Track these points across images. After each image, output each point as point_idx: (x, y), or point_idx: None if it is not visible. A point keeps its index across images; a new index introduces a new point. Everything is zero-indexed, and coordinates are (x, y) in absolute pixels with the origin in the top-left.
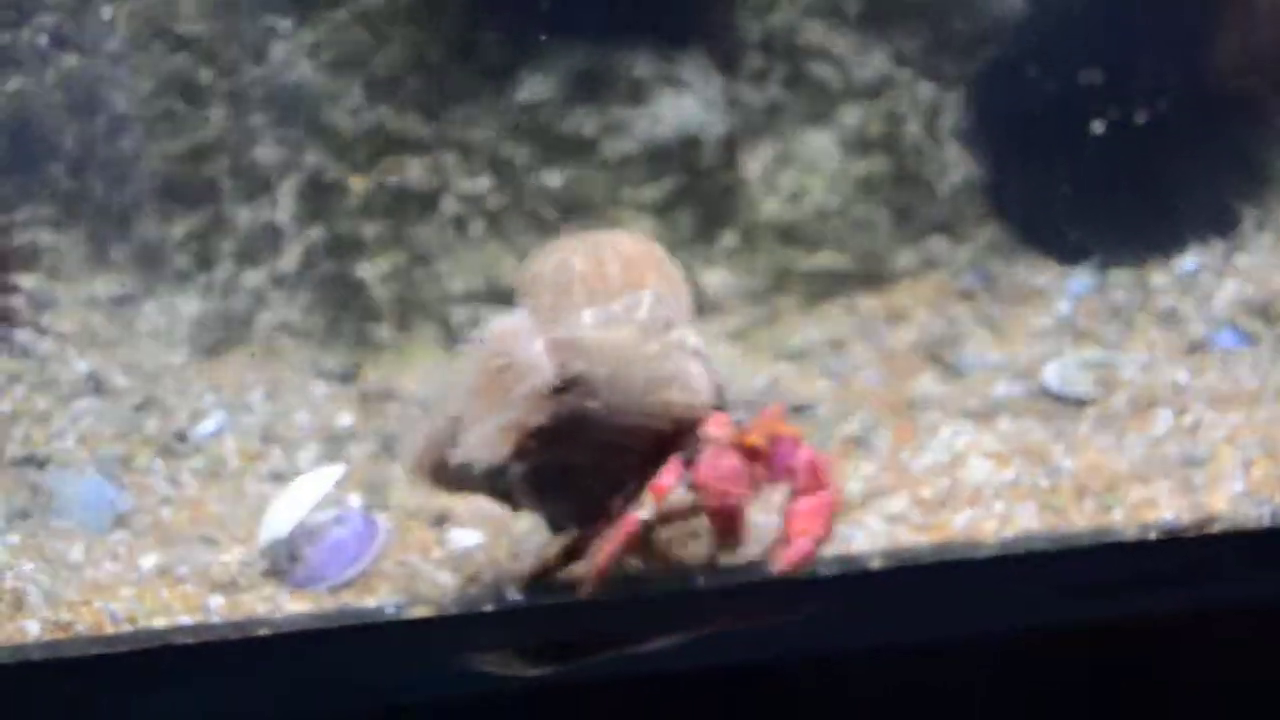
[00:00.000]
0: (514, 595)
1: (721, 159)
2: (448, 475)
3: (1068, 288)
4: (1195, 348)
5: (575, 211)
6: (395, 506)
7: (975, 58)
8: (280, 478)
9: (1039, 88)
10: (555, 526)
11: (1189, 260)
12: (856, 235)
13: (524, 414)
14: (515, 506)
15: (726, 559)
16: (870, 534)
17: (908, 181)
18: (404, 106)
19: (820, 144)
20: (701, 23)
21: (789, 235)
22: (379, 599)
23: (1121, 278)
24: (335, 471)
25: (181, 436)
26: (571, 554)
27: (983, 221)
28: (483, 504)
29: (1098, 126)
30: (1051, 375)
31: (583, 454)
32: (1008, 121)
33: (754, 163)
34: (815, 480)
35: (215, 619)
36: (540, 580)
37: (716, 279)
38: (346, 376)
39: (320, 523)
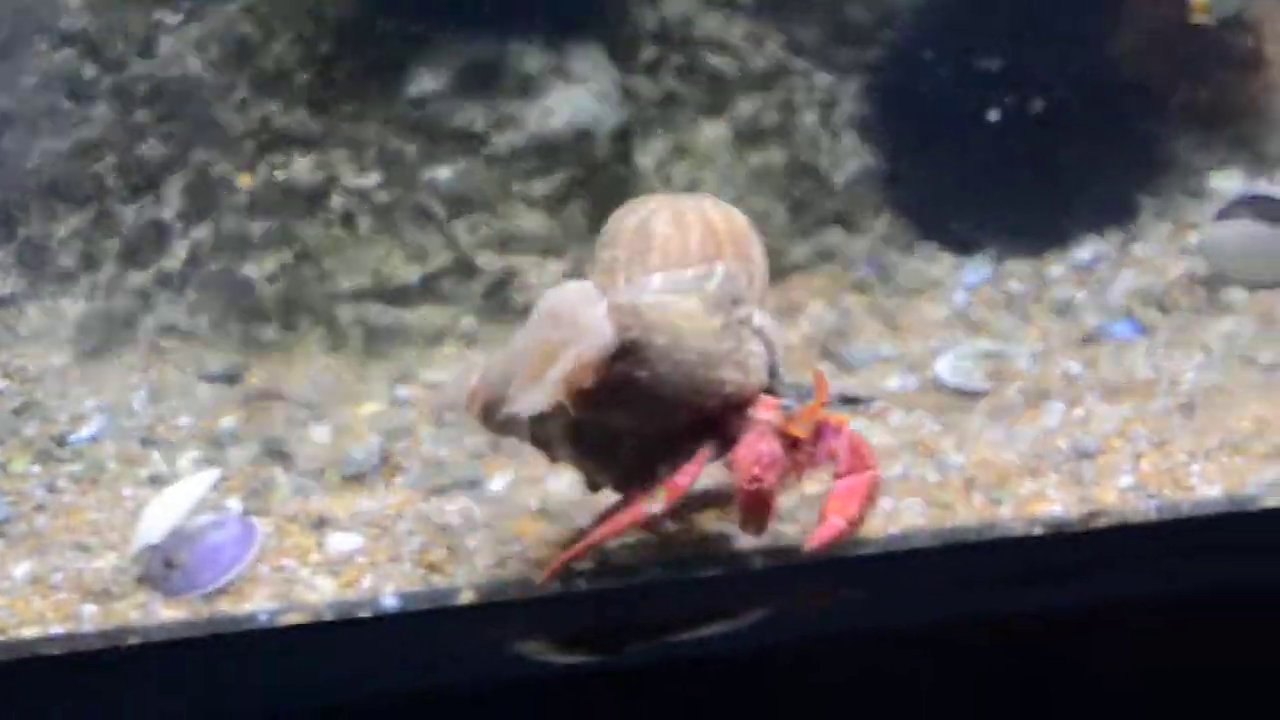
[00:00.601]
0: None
1: (614, 152)
2: (496, 416)
3: (963, 279)
4: (1089, 338)
5: (465, 206)
6: (275, 511)
7: (873, 46)
8: (159, 482)
9: (936, 77)
10: (593, 485)
11: (1086, 250)
12: None
13: (574, 374)
14: (553, 458)
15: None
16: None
17: (803, 173)
18: (292, 102)
19: (715, 135)
20: (594, 13)
21: None
22: (254, 605)
23: (1018, 268)
24: (211, 475)
25: (60, 441)
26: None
27: (879, 213)
28: (365, 506)
29: (995, 115)
30: (944, 367)
31: (625, 420)
32: (905, 111)
33: (648, 155)
34: (859, 462)
35: (87, 627)
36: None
37: None
38: (231, 378)
39: (195, 528)
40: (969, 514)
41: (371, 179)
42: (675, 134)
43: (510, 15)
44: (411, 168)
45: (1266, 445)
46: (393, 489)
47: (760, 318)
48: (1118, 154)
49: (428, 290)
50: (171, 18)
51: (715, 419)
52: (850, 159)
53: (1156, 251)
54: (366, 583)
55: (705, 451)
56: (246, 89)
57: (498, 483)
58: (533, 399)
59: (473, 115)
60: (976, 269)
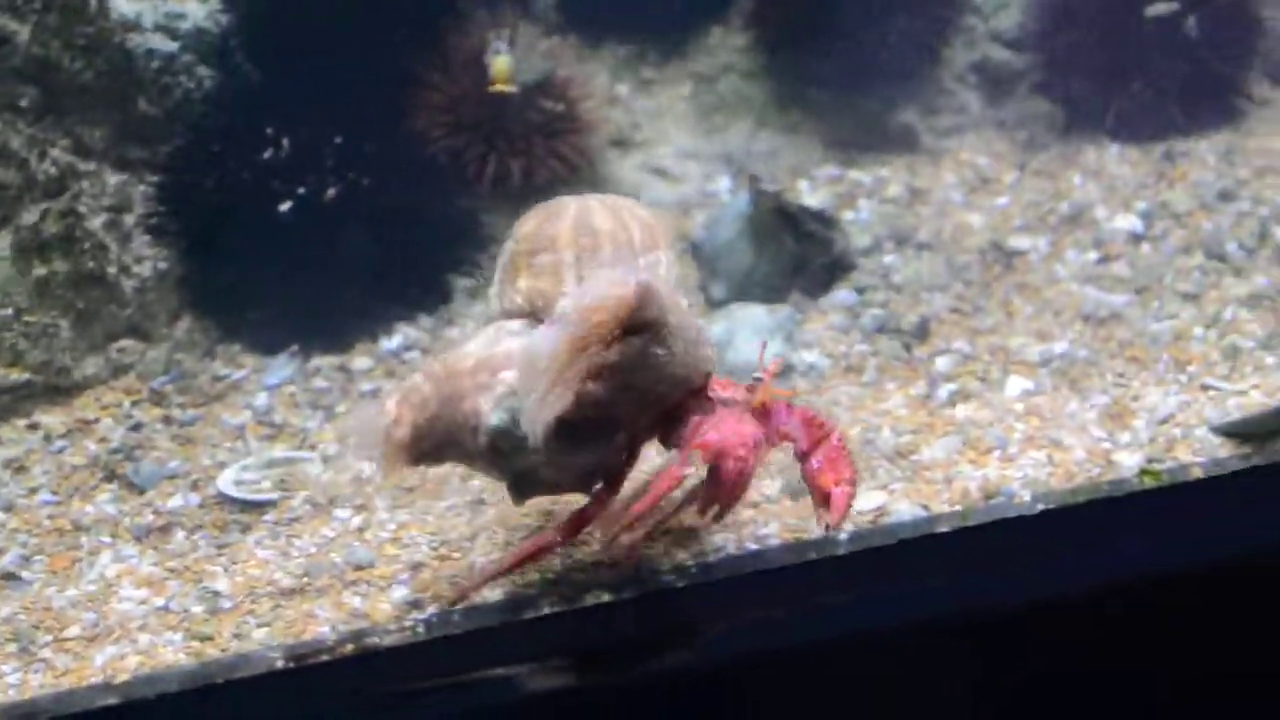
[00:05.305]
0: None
1: None
2: (434, 444)
3: (266, 380)
4: None
5: None
6: None
7: (165, 143)
8: None
9: (228, 170)
10: (523, 493)
11: (395, 339)
12: (34, 346)
13: (600, 352)
14: (494, 468)
15: (714, 524)
16: (4, 686)
17: (90, 282)
18: None
19: None
20: None
21: None
22: None
23: (325, 364)
24: None
25: None
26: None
27: (177, 318)
28: None
29: (289, 206)
30: (227, 481)
31: (623, 403)
32: (198, 209)
33: None
34: (819, 431)
35: None
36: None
37: None
38: None
39: None
40: (234, 645)
41: None
42: None
43: None
44: None
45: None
46: None
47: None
48: (429, 235)
49: None
50: None
51: (689, 401)
52: (143, 264)
53: (470, 334)
54: None
55: (701, 421)
56: None
57: None
58: (560, 394)
59: None
60: (279, 369)
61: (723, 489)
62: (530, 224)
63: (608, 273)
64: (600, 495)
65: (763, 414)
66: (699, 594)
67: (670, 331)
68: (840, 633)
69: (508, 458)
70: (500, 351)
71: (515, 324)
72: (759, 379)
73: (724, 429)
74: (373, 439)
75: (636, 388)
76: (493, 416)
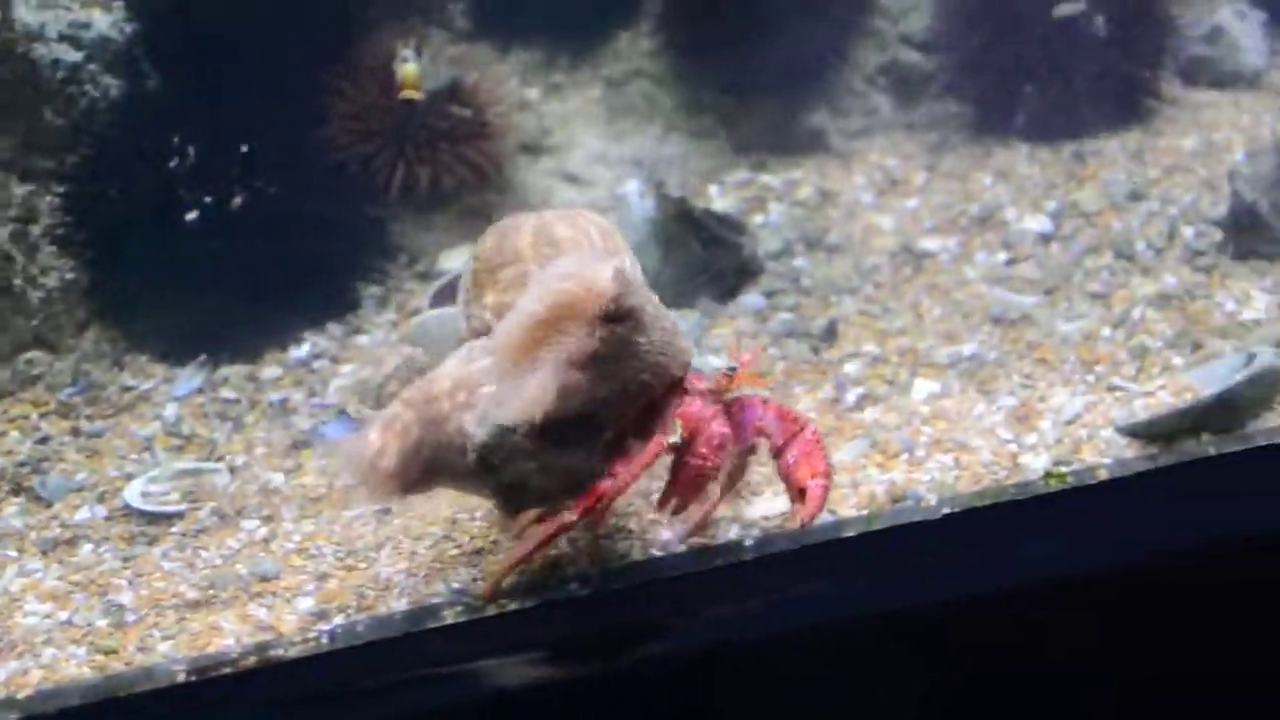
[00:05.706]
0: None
1: None
2: (422, 469)
3: (174, 390)
4: (299, 444)
5: None
6: None
7: (71, 153)
8: None
9: (135, 180)
10: (514, 507)
11: (304, 348)
12: None
13: (582, 341)
14: (484, 485)
15: (664, 518)
16: None
17: None
18: None
19: None
20: None
21: None
22: None
23: (234, 373)
24: None
25: None
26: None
27: (84, 329)
28: None
29: (196, 215)
30: (134, 492)
31: (608, 396)
32: (105, 219)
33: None
34: (792, 426)
35: None
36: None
37: None
38: None
39: None
40: (138, 658)
41: None
42: None
43: None
44: None
45: (457, 547)
46: None
47: None
48: (337, 243)
49: None
50: None
51: (667, 394)
52: (50, 274)
53: (379, 341)
54: None
55: (697, 406)
56: None
57: None
58: (541, 389)
59: None
60: (188, 379)
61: (682, 482)
62: (489, 241)
63: (574, 258)
64: (613, 472)
65: (738, 409)
66: (600, 604)
67: (649, 319)
68: (743, 638)
69: (498, 471)
70: (476, 369)
71: (487, 341)
72: (734, 369)
73: (696, 427)
74: (360, 471)
75: (619, 377)
76: (480, 432)
